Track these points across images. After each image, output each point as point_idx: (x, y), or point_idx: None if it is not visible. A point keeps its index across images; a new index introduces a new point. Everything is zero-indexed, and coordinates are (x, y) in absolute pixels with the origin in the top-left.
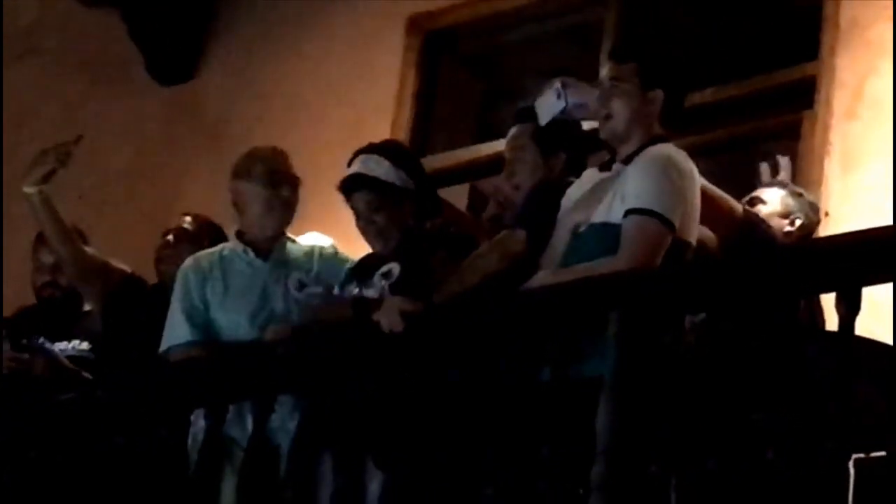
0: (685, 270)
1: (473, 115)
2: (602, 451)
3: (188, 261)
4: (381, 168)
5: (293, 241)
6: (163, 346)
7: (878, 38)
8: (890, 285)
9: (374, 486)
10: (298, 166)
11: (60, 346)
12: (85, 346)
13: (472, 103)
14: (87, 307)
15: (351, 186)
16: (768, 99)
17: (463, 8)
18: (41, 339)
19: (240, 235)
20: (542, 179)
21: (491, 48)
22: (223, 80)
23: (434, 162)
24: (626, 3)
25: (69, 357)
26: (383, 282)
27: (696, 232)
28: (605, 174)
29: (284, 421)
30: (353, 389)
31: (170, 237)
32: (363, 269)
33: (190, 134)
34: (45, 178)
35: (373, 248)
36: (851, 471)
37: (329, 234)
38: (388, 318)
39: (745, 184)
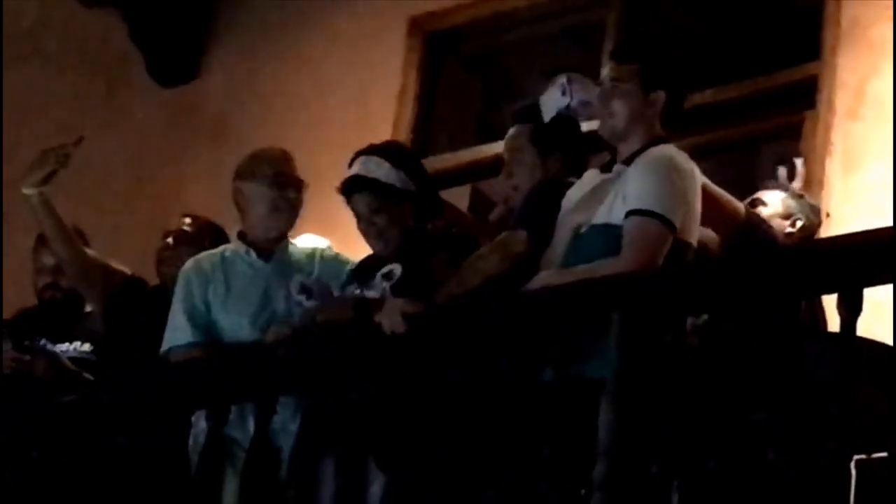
0: (686, 271)
1: (475, 115)
2: (604, 451)
3: (190, 262)
4: (381, 170)
5: (293, 242)
6: (164, 348)
7: (880, 38)
8: (890, 285)
9: (376, 487)
10: (300, 167)
11: (62, 348)
12: (86, 347)
13: (474, 104)
14: (88, 308)
15: (351, 188)
16: (770, 99)
17: (464, 9)
18: (43, 341)
19: (242, 237)
20: (540, 180)
21: (492, 49)
22: (224, 81)
23: (435, 163)
24: (627, 3)
25: (70, 358)
26: (384, 283)
27: (697, 233)
28: (606, 175)
29: (286, 423)
30: (354, 390)
31: (170, 239)
32: (364, 271)
33: (191, 135)
34: (45, 180)
35: (374, 249)
36: (853, 472)
37: (330, 235)
38: (390, 320)
39: (747, 184)
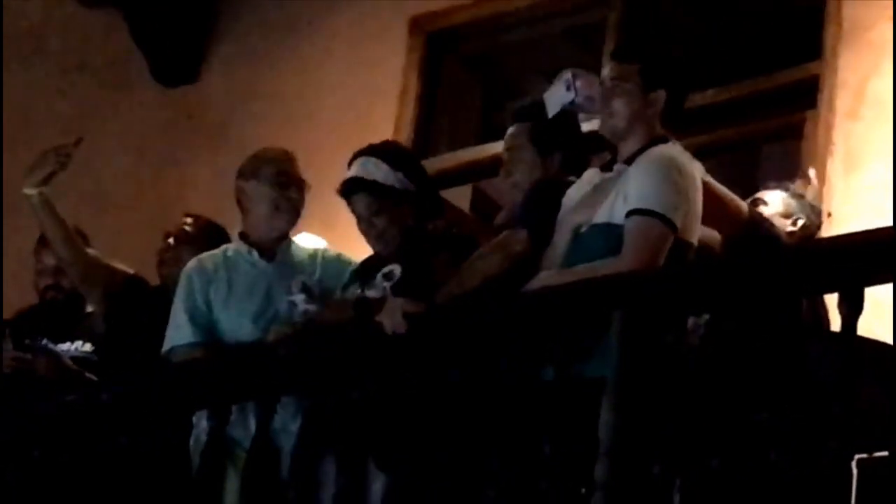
0: (687, 271)
1: (476, 115)
2: (605, 450)
3: (192, 262)
4: (379, 171)
5: (296, 243)
6: (166, 347)
7: (881, 38)
8: (890, 285)
9: (377, 487)
10: (301, 167)
11: (63, 348)
12: (88, 347)
13: (475, 104)
14: (89, 309)
15: (350, 190)
16: (771, 99)
17: (465, 9)
18: (44, 341)
19: (244, 236)
20: (539, 178)
21: (493, 49)
22: (225, 81)
23: (436, 163)
24: (628, 3)
25: (72, 358)
26: (385, 283)
27: (698, 232)
28: (607, 174)
29: (287, 423)
30: (354, 390)
31: (171, 239)
32: (366, 271)
33: (192, 135)
34: (46, 180)
35: (374, 250)
36: (854, 471)
37: (331, 235)
38: (391, 319)
39: (748, 184)
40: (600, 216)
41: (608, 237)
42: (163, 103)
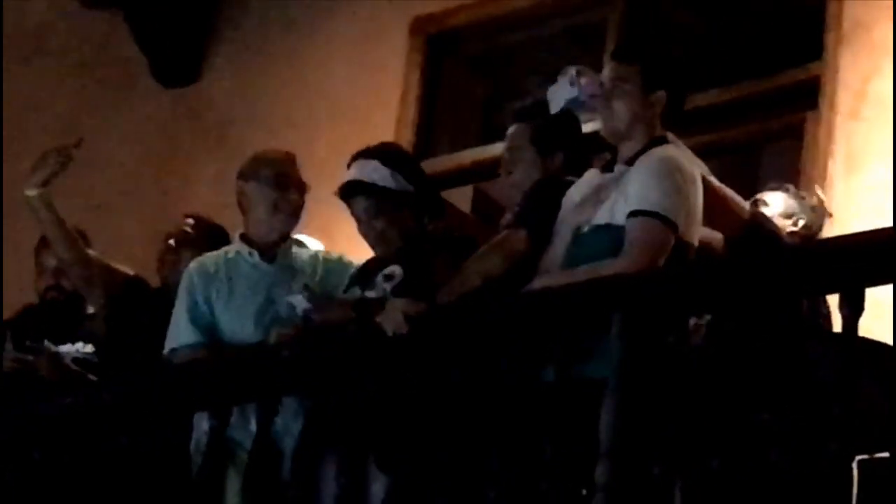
0: (688, 271)
1: (477, 116)
2: (605, 451)
3: (193, 263)
4: (377, 173)
5: (300, 244)
6: (167, 348)
7: (882, 38)
8: (890, 285)
9: (377, 487)
10: (302, 168)
11: (64, 349)
12: (89, 348)
13: (476, 105)
14: (90, 310)
15: (349, 192)
16: (772, 100)
17: (466, 10)
18: (45, 342)
19: (244, 238)
20: (539, 178)
21: (494, 50)
22: (227, 82)
23: (438, 164)
24: (629, 4)
25: (73, 359)
26: (385, 284)
27: (699, 233)
28: (608, 175)
29: (288, 424)
30: (355, 391)
31: (172, 241)
32: (366, 273)
33: (193, 136)
34: (47, 181)
35: (374, 252)
36: (855, 472)
37: (332, 236)
38: (392, 320)
39: (750, 185)
40: (601, 217)
41: (609, 238)
42: (163, 104)
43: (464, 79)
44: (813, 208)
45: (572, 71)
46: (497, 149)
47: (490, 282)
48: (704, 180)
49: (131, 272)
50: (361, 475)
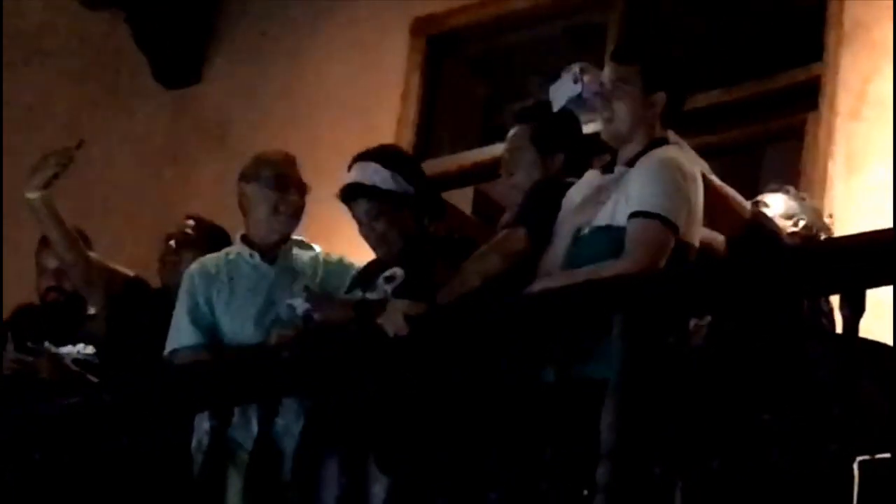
0: (688, 272)
1: (478, 117)
2: (606, 452)
3: (194, 264)
4: (377, 176)
5: (303, 244)
6: (168, 349)
7: (882, 39)
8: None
9: (378, 488)
10: (302, 169)
11: (65, 350)
12: (89, 349)
13: (477, 106)
14: (91, 311)
15: (349, 195)
16: (772, 100)
17: (467, 11)
18: (46, 343)
19: (245, 239)
20: (539, 179)
21: (495, 51)
22: (227, 83)
23: (438, 165)
24: (630, 5)
25: (74, 361)
26: (387, 286)
27: (699, 234)
28: (608, 176)
29: (289, 425)
30: (356, 391)
31: (172, 242)
32: (367, 276)
33: (194, 137)
34: (47, 184)
35: (376, 254)
36: (856, 473)
37: (333, 238)
38: (392, 322)
39: (750, 185)
40: (602, 218)
41: (610, 239)
42: (164, 105)
43: (464, 80)
44: (814, 209)
45: (576, 68)
46: (498, 149)
47: (490, 281)
48: (705, 179)
49: (132, 273)
50: (362, 476)
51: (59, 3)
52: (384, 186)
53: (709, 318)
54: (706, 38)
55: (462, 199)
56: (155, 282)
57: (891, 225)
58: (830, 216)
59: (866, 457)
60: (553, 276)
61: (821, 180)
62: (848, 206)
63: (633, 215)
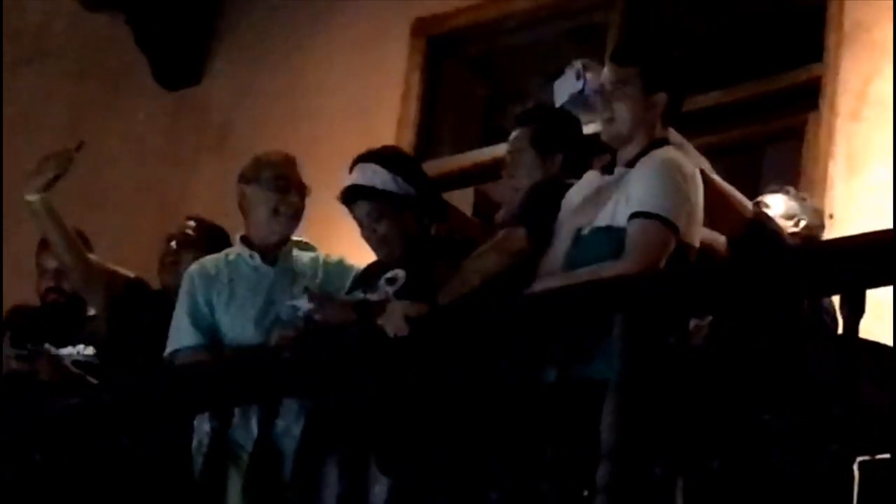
0: (689, 272)
1: (478, 118)
2: (607, 452)
3: (194, 265)
4: (378, 177)
5: (304, 245)
6: (168, 350)
7: (883, 39)
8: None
9: (379, 489)
10: (303, 170)
11: (65, 352)
12: (90, 351)
13: (477, 106)
14: (91, 312)
15: (350, 197)
16: (772, 101)
17: (467, 11)
18: (46, 345)
19: (245, 240)
20: (540, 180)
21: (495, 51)
22: (228, 83)
23: (439, 165)
24: (630, 5)
25: (74, 362)
26: (388, 288)
27: (699, 234)
28: (608, 177)
29: (289, 426)
30: (356, 392)
31: (173, 243)
32: (368, 277)
33: (195, 138)
34: (47, 186)
35: (377, 255)
36: (856, 473)
37: (334, 239)
38: (393, 323)
39: (751, 186)
40: (602, 219)
41: (610, 240)
42: (165, 105)
43: (465, 80)
44: (814, 210)
45: (578, 64)
46: (498, 150)
47: (490, 280)
48: (706, 176)
49: (132, 274)
50: (363, 476)
51: (59, 4)
52: (385, 188)
53: (709, 318)
54: (706, 38)
55: (463, 199)
56: (155, 283)
57: (891, 225)
58: (831, 217)
59: (866, 457)
60: (553, 277)
61: (821, 181)
62: (848, 207)
63: (634, 216)
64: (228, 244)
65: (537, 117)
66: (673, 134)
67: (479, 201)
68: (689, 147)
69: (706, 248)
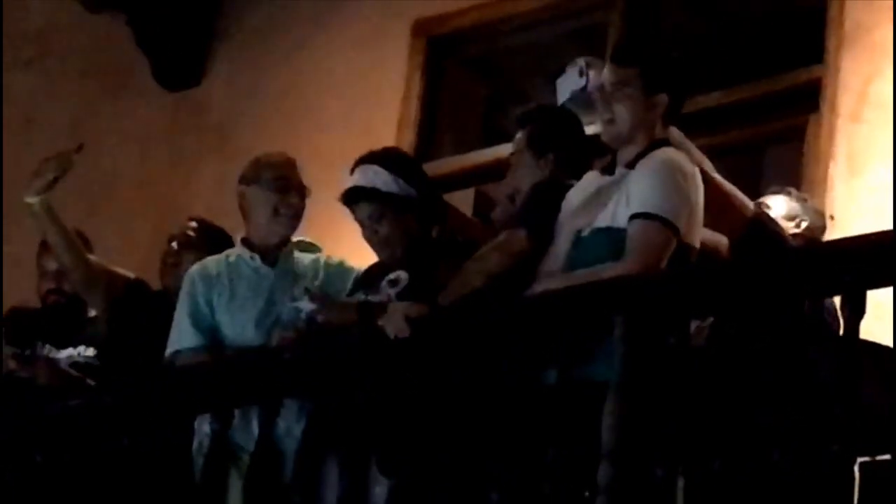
0: (690, 273)
1: (479, 119)
2: (608, 453)
3: (195, 266)
4: (379, 179)
5: (307, 245)
6: (169, 351)
7: (883, 40)
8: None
9: (379, 490)
10: (303, 171)
11: (66, 353)
12: (90, 352)
13: (477, 107)
14: (91, 313)
15: (351, 198)
16: (773, 102)
17: (468, 12)
18: (46, 347)
19: (246, 241)
20: (539, 180)
21: (496, 52)
22: (229, 84)
23: (439, 166)
24: (630, 6)
25: (74, 363)
26: (390, 289)
27: (700, 235)
28: (608, 178)
29: (290, 427)
30: (357, 393)
31: (174, 243)
32: (369, 279)
33: (196, 138)
34: (48, 188)
35: (378, 257)
36: (857, 474)
37: (335, 240)
38: (394, 324)
39: (751, 187)
40: (602, 220)
41: (610, 241)
42: (165, 106)
43: (465, 81)
44: (816, 211)
45: (582, 62)
46: (499, 151)
47: (491, 281)
48: (706, 175)
49: (132, 275)
50: (363, 477)
51: (60, 5)
52: (386, 189)
53: (710, 319)
54: (706, 38)
55: (463, 200)
56: (155, 283)
57: (891, 226)
58: (832, 217)
59: (867, 458)
60: (553, 278)
61: (822, 182)
62: (849, 208)
63: (634, 217)
64: (230, 245)
65: (535, 118)
66: (674, 132)
67: (480, 202)
68: (690, 145)
69: (709, 250)
